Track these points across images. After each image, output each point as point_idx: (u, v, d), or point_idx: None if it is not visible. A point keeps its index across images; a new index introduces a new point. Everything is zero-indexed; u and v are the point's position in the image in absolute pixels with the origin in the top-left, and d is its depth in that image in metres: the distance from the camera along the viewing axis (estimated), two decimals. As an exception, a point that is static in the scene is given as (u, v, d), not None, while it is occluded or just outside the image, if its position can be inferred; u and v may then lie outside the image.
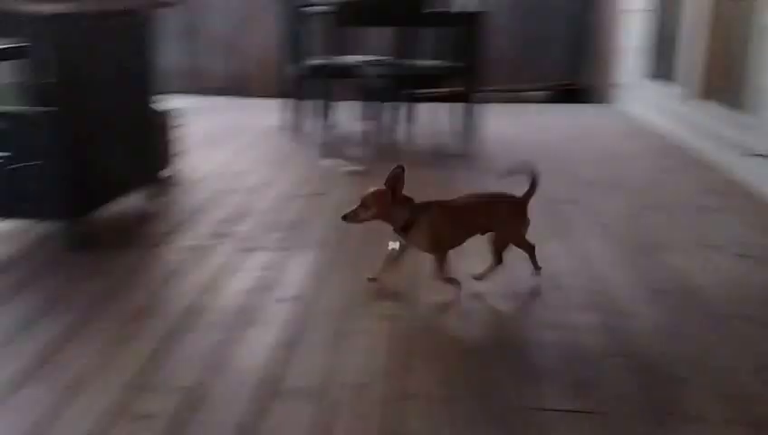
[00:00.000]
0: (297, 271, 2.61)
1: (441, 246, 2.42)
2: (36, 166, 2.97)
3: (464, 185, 3.52)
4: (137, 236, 3.15)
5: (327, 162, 4.15)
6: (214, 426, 1.68)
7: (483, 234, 2.50)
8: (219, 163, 4.24)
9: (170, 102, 3.73)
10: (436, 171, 4.01)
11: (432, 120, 4.93)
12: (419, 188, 2.42)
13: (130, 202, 3.42)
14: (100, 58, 3.26)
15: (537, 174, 2.49)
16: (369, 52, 4.90)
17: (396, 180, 2.33)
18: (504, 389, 1.83)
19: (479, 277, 2.48)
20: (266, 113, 5.39)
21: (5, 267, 2.81)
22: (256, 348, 2.07)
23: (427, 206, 2.40)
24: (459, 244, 2.49)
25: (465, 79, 4.44)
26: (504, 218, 2.51)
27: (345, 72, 4.54)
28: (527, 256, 2.53)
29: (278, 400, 1.79)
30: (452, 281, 2.40)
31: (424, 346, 2.10)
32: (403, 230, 2.37)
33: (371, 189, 2.33)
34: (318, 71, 4.51)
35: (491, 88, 4.90)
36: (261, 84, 5.99)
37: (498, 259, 2.48)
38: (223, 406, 1.76)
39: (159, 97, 3.56)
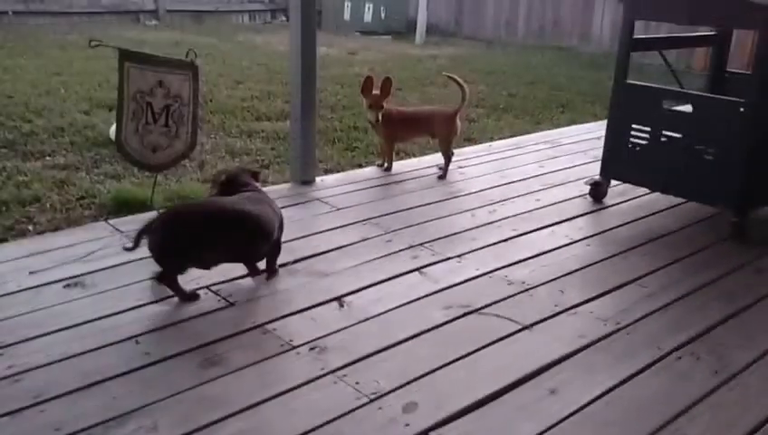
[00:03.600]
0: None
1: (390, 138, 3.89)
2: (713, 152, 3.07)
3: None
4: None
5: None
6: None
7: (433, 137, 4.05)
8: None
9: None
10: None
11: None
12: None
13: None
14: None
15: (466, 91, 3.90)
16: None
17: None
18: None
19: (441, 170, 3.89)
20: None
21: (668, 241, 3.07)
22: None
23: (389, 110, 3.77)
24: (407, 140, 4.26)
25: None
26: (438, 126, 3.85)
27: None
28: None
29: None
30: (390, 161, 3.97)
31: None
32: (377, 122, 3.77)
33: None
34: None
35: None
36: None
37: (446, 157, 3.87)
38: None
39: None
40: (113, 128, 4.32)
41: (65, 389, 1.85)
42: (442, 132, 3.82)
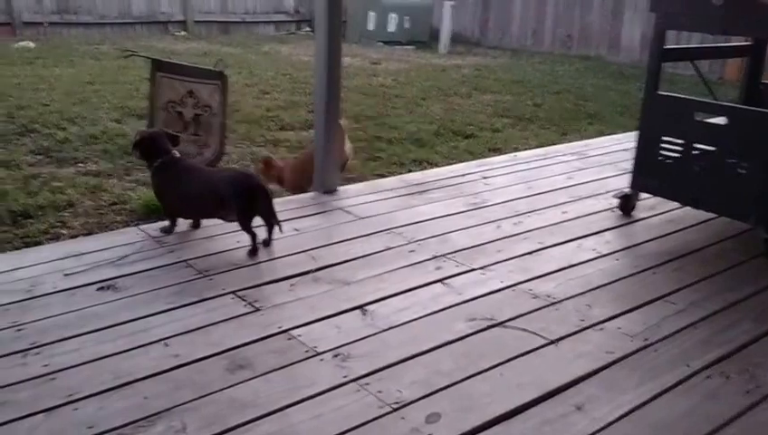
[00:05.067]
0: None
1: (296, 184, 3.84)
2: (746, 166, 3.02)
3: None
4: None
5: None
6: None
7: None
8: None
9: None
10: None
11: None
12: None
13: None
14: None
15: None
16: None
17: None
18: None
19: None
20: None
21: (699, 257, 3.02)
22: None
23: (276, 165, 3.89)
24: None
25: None
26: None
27: None
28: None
29: None
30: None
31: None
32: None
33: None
34: None
35: None
36: None
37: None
38: None
39: None
40: (143, 136, 4.41)
41: (98, 388, 1.89)
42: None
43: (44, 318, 2.24)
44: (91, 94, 6.03)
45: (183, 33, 10.93)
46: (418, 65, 9.13)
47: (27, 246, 3.04)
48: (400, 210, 3.46)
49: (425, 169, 4.34)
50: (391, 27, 11.28)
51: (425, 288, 2.61)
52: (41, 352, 2.05)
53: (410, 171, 4.31)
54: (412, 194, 3.74)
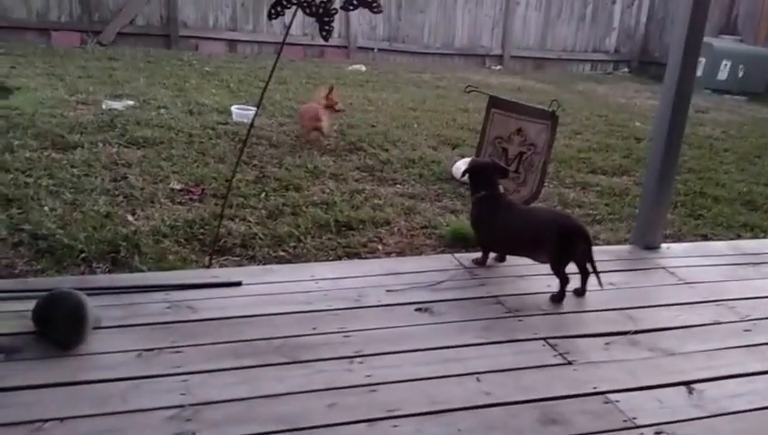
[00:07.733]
0: None
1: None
2: None
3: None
4: None
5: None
6: None
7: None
8: None
9: None
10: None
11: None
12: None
13: None
14: None
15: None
16: None
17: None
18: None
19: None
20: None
21: None
22: None
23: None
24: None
25: None
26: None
27: None
28: None
29: None
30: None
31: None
32: None
33: None
34: None
35: None
36: None
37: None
38: None
39: None
40: (456, 166, 4.58)
41: (415, 410, 1.95)
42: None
43: (368, 329, 2.40)
44: (412, 120, 6.45)
45: (499, 66, 11.27)
46: (753, 118, 8.19)
47: (348, 256, 3.30)
48: (732, 281, 3.08)
49: (757, 236, 3.81)
50: (722, 75, 10.30)
51: (764, 376, 2.27)
52: (364, 361, 2.19)
53: (739, 237, 3.83)
54: (746, 264, 3.30)
